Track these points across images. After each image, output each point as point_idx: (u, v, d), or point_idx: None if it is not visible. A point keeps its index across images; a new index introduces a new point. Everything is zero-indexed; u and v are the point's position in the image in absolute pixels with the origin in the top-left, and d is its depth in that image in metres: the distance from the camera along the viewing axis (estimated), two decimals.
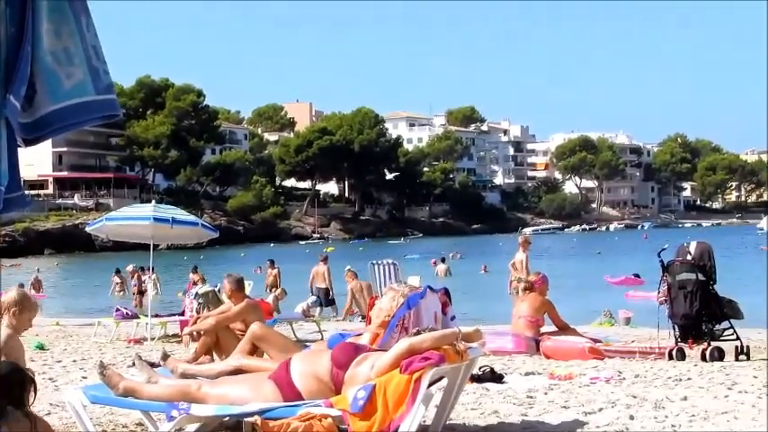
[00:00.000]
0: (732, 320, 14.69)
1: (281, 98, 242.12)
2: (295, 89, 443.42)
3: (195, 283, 26.86)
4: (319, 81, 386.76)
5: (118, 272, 41.62)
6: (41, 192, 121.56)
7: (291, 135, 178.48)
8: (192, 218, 23.13)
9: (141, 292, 34.70)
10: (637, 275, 40.44)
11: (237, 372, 8.46)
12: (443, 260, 53.04)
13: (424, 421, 8.00)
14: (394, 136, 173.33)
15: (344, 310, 27.64)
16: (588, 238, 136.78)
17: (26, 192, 5.70)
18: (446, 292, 9.05)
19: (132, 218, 21.75)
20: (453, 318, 8.98)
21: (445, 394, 8.27)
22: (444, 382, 8.14)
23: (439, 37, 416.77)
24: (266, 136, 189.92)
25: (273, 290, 30.55)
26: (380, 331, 8.56)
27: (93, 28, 5.35)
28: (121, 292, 39.87)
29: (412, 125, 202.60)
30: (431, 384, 7.58)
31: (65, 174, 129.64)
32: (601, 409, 9.43)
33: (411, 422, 7.32)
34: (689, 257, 14.58)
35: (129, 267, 38.12)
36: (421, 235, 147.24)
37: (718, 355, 14.16)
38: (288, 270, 39.22)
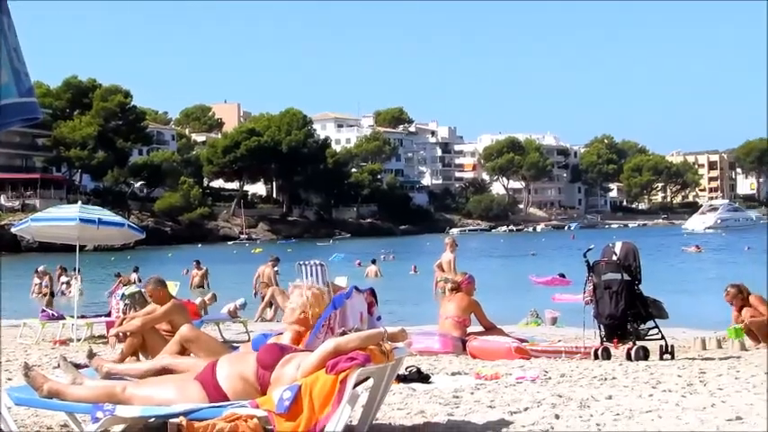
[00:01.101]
0: (657, 320, 14.85)
1: (209, 99, 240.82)
2: (223, 90, 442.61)
3: (125, 284, 26.59)
4: (247, 82, 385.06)
5: (38, 272, 41.20)
6: None
7: (219, 136, 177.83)
8: (118, 219, 22.92)
9: (52, 294, 34.32)
10: (562, 276, 40.67)
11: (163, 372, 8.40)
12: (374, 261, 52.99)
13: (351, 421, 7.99)
14: (322, 137, 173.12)
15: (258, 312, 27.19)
16: (515, 238, 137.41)
17: None
18: (372, 293, 9.05)
19: (58, 219, 21.52)
20: (379, 318, 8.99)
21: (371, 394, 8.25)
22: (370, 382, 8.13)
23: (367, 38, 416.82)
24: (194, 137, 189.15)
25: (199, 289, 30.32)
26: (299, 329, 8.58)
27: (14, 29, 5.27)
28: (41, 294, 39.45)
29: (340, 126, 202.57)
30: (357, 384, 7.57)
31: None
32: (526, 409, 9.47)
33: (337, 422, 7.31)
34: (614, 258, 14.71)
35: (41, 268, 37.75)
36: (349, 236, 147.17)
37: (643, 354, 14.30)
38: (216, 271, 39.01)
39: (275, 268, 30.06)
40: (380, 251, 75.05)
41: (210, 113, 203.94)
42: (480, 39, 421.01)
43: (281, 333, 9.07)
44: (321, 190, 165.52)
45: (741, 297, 16.47)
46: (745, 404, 9.51)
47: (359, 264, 54.70)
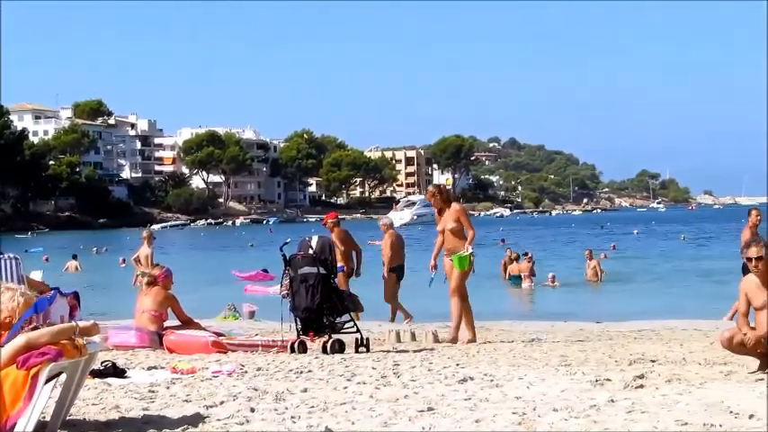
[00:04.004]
0: (352, 313, 15.11)
1: None
2: None
3: None
4: None
5: None
6: None
7: None
8: None
9: None
10: (265, 270, 40.83)
11: None
12: (75, 257, 51.87)
13: (44, 417, 7.82)
14: (19, 128, 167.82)
15: None
16: (215, 232, 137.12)
17: None
18: (75, 296, 8.91)
19: None
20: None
21: (64, 390, 8.09)
22: (63, 377, 7.97)
23: (65, 29, 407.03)
24: None
25: None
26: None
27: None
28: None
29: (38, 118, 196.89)
30: (49, 380, 7.41)
31: None
32: (222, 403, 9.46)
33: (28, 419, 7.15)
34: (311, 251, 14.86)
35: None
36: (47, 230, 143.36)
37: (339, 347, 14.51)
38: None
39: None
40: (92, 245, 73.73)
41: None
42: (180, 32, 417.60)
43: None
44: (18, 183, 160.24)
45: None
46: (437, 395, 9.78)
47: (46, 259, 53.25)
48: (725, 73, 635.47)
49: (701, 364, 12.21)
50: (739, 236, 21.65)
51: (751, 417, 8.18)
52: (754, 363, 11.29)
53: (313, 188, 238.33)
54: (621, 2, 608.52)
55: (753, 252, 11.00)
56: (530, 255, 37.15)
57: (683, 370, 11.59)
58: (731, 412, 8.42)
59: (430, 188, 16.76)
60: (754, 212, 21.11)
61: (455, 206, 16.19)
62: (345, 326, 14.97)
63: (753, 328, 11.02)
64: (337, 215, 22.08)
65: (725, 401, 8.94)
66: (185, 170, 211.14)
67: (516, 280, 35.79)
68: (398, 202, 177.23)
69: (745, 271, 20.54)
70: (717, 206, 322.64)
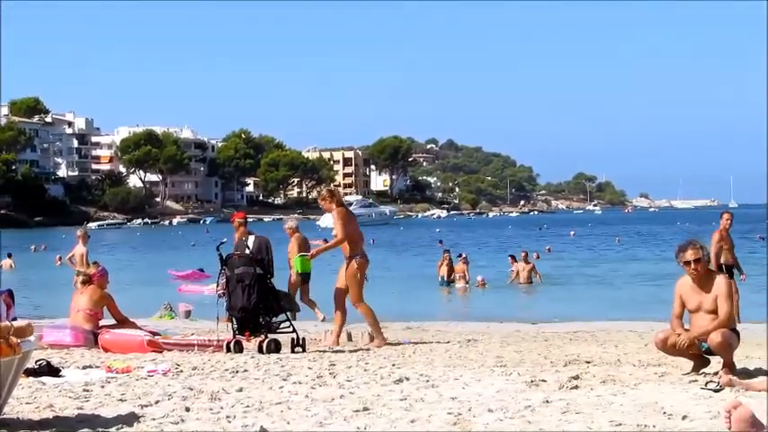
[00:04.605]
0: (289, 313, 15.10)
1: None
2: None
3: None
4: None
5: None
6: None
7: None
8: None
9: None
10: (201, 270, 40.69)
11: None
12: (9, 255, 51.34)
13: None
14: None
15: None
16: (151, 231, 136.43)
17: None
18: (10, 294, 8.82)
19: None
20: (15, 319, 8.75)
21: None
22: None
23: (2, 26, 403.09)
24: None
25: None
26: None
27: None
28: None
29: None
30: None
31: None
32: (157, 402, 9.43)
33: None
34: (247, 251, 14.84)
35: None
36: None
37: (275, 347, 14.51)
38: None
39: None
40: (29, 243, 73.11)
41: None
42: (118, 30, 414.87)
43: None
44: None
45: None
46: (372, 395, 9.81)
47: None
48: (661, 76, 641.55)
49: (635, 366, 12.32)
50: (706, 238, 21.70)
51: (684, 418, 8.27)
52: (687, 364, 11.41)
53: (251, 188, 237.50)
54: (554, 1, 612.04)
55: (690, 255, 11.06)
56: (464, 256, 37.23)
57: (617, 371, 11.69)
58: (665, 413, 8.50)
59: (323, 192, 16.72)
60: (725, 216, 21.30)
61: (335, 211, 16.07)
62: (281, 326, 14.98)
63: (687, 330, 11.12)
64: (245, 215, 21.97)
65: (659, 402, 9.03)
66: (122, 169, 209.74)
67: (451, 281, 35.85)
68: None
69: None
70: (652, 209, 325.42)
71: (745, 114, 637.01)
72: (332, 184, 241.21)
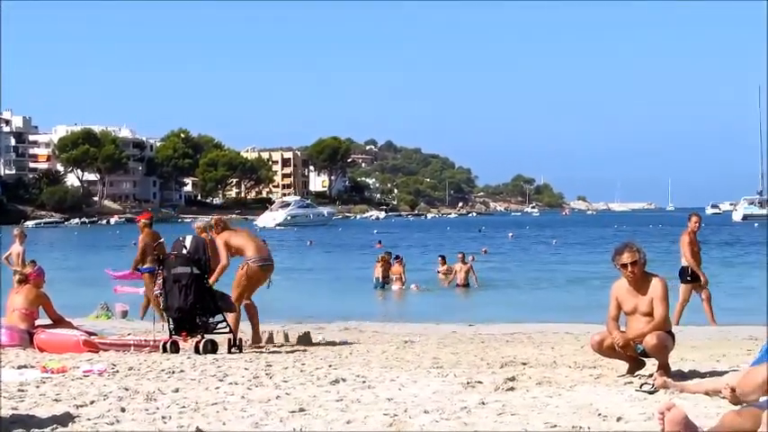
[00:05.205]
0: (226, 313, 15.07)
1: None
2: None
3: None
4: None
5: None
6: None
7: None
8: None
9: None
10: (139, 269, 40.35)
11: None
12: None
13: None
14: None
15: None
16: (89, 231, 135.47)
17: None
18: None
19: None
20: None
21: None
22: None
23: None
24: None
25: None
26: None
27: None
28: None
29: None
30: None
31: None
32: (93, 402, 9.38)
33: None
34: (184, 251, 14.79)
35: None
36: None
37: (212, 347, 14.47)
38: None
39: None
40: None
41: None
42: (57, 28, 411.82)
43: None
44: None
45: None
46: (308, 396, 9.82)
47: None
48: (601, 80, 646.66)
49: (571, 368, 12.40)
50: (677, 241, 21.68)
51: (619, 419, 8.34)
52: (623, 366, 11.50)
53: (189, 188, 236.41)
54: (497, 1, 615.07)
55: (626, 257, 11.13)
56: (400, 257, 37.24)
57: (553, 373, 11.76)
58: (600, 415, 8.57)
59: (212, 221, 16.83)
60: (694, 218, 21.20)
61: (217, 239, 16.09)
62: (218, 326, 14.95)
63: (622, 332, 11.20)
64: (151, 216, 21.93)
65: (594, 404, 9.10)
66: (60, 168, 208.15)
67: (387, 282, 35.82)
68: (274, 203, 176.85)
69: (683, 276, 20.87)
70: (590, 212, 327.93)
71: (685, 118, 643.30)
72: (270, 185, 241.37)
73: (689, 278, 20.75)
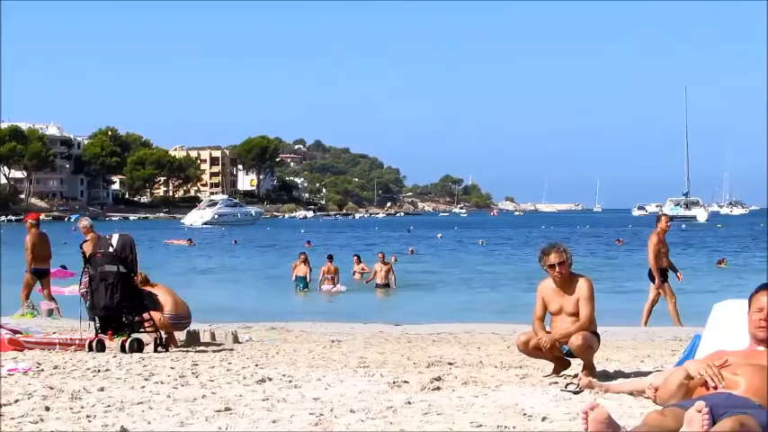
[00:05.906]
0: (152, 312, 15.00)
1: None
2: None
3: None
4: None
5: None
6: None
7: None
8: None
9: None
10: (64, 267, 40.02)
11: None
12: None
13: None
14: None
15: None
16: (15, 229, 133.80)
17: None
18: None
19: None
20: None
21: None
22: None
23: None
24: None
25: None
26: None
27: None
28: None
29: None
30: None
31: None
32: (17, 401, 9.30)
33: None
34: (111, 250, 14.70)
35: None
36: None
37: (138, 346, 14.40)
38: None
39: None
40: None
41: None
42: None
43: None
44: None
45: None
46: (234, 395, 9.80)
47: None
48: (528, 81, 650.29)
49: (497, 367, 12.47)
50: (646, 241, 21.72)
51: (544, 419, 8.40)
52: (548, 366, 11.59)
53: (117, 186, 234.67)
54: (419, 2, 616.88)
55: (553, 258, 11.20)
56: (332, 256, 37.27)
57: (479, 373, 11.83)
58: (525, 414, 8.63)
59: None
60: (663, 219, 21.30)
61: None
62: (145, 325, 14.87)
63: (548, 332, 11.29)
64: (39, 216, 21.90)
65: (519, 404, 9.16)
66: None
67: (307, 282, 35.66)
68: (202, 201, 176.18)
69: (651, 277, 21.01)
70: (517, 213, 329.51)
71: (613, 119, 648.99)
72: (198, 184, 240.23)
73: (663, 279, 20.97)
